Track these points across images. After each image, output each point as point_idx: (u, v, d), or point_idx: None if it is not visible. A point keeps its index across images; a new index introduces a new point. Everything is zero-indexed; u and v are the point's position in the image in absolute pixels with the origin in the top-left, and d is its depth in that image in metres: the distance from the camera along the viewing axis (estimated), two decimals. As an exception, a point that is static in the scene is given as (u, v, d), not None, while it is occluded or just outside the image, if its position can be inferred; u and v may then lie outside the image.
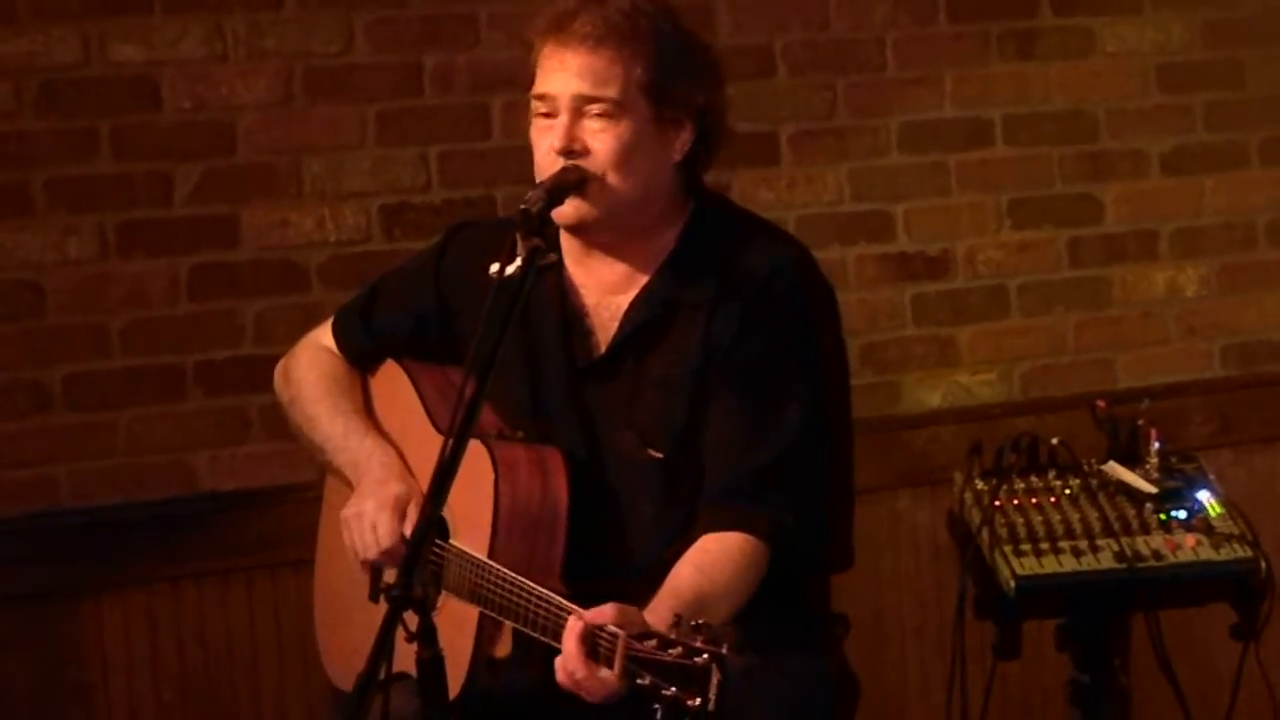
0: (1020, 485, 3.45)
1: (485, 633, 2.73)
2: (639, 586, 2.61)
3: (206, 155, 3.83)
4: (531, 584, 2.61)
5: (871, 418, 4.07)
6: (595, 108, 2.76)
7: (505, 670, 2.73)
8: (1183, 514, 3.38)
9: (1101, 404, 3.61)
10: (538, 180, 2.76)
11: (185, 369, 3.84)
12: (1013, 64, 4.35)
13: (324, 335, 3.15)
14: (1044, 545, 3.33)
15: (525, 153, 2.87)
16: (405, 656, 2.49)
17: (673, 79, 2.79)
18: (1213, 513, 3.39)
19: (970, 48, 4.32)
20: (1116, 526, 3.37)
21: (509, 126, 3.93)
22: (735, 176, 4.10)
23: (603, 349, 2.88)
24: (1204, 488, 3.44)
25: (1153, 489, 3.41)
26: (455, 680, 2.66)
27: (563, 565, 2.77)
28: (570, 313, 2.90)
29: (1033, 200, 4.38)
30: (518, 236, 2.60)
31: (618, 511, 2.85)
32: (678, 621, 2.34)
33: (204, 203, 3.83)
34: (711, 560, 2.69)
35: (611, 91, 2.75)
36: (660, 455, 2.82)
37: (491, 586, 2.68)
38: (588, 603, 2.48)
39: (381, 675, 2.34)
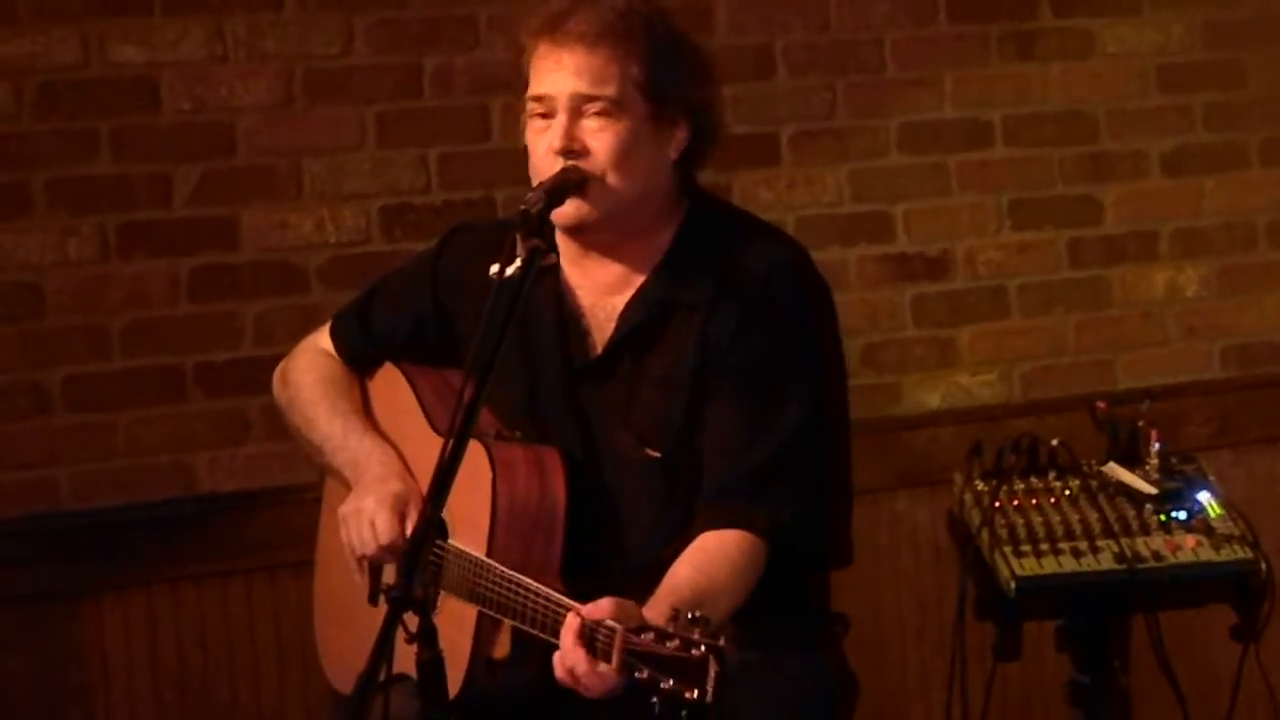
0: (1020, 486, 3.46)
1: (484, 633, 2.73)
2: (637, 586, 2.60)
3: (206, 156, 3.83)
4: (530, 580, 2.61)
5: (871, 418, 4.07)
6: (593, 107, 2.75)
7: (504, 670, 2.73)
8: (1183, 515, 3.38)
9: (1101, 405, 3.61)
10: (534, 182, 2.76)
11: (185, 370, 3.84)
12: (1013, 65, 4.35)
13: (322, 339, 3.15)
14: (1044, 546, 3.33)
15: (525, 154, 2.85)
16: (405, 657, 2.49)
17: (668, 77, 2.78)
18: (1213, 514, 3.39)
19: (970, 48, 4.32)
20: (1116, 527, 3.37)
21: (509, 128, 3.89)
22: (735, 177, 4.09)
23: (599, 349, 2.88)
24: (1204, 489, 3.44)
25: (1153, 490, 3.42)
26: (454, 680, 2.66)
27: (561, 565, 2.76)
28: (567, 314, 2.89)
29: (1033, 201, 4.38)
30: (517, 237, 2.59)
31: (615, 511, 2.84)
32: (675, 615, 2.34)
33: (204, 204, 3.83)
34: (710, 558, 2.69)
35: (609, 90, 2.74)
36: (658, 455, 2.82)
37: (490, 585, 2.68)
38: (586, 602, 2.47)
39: (382, 677, 2.34)
